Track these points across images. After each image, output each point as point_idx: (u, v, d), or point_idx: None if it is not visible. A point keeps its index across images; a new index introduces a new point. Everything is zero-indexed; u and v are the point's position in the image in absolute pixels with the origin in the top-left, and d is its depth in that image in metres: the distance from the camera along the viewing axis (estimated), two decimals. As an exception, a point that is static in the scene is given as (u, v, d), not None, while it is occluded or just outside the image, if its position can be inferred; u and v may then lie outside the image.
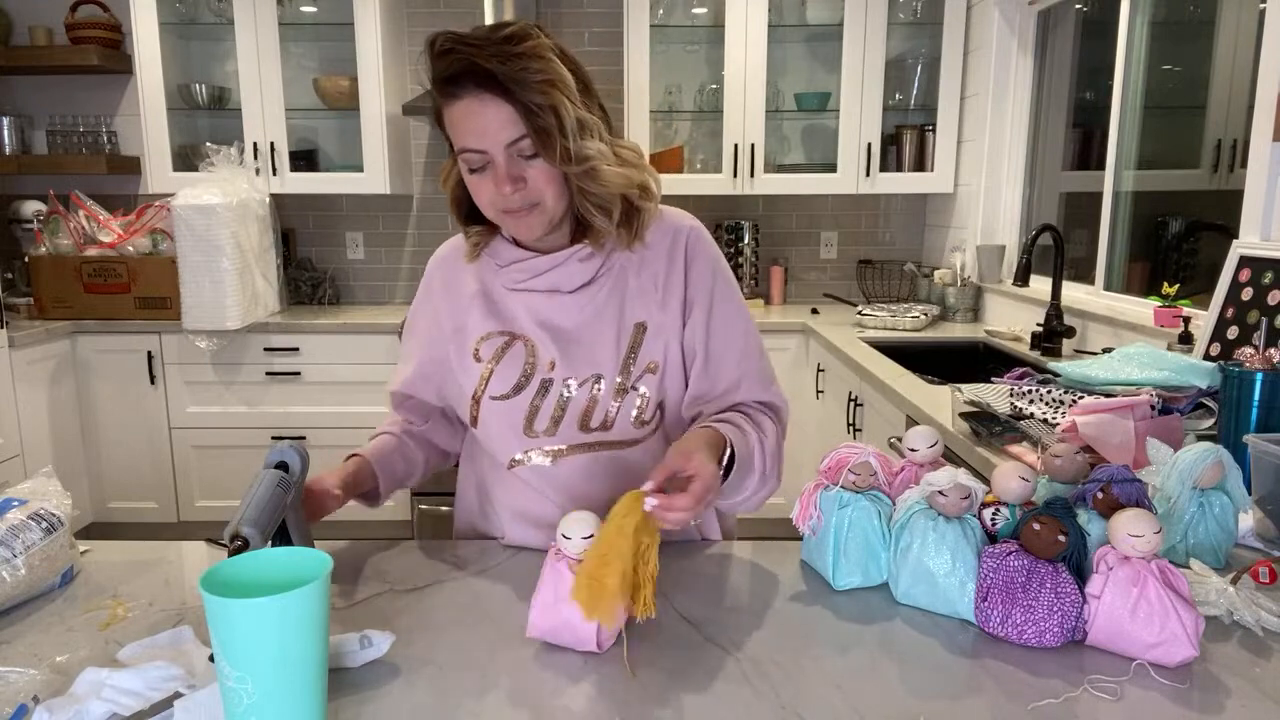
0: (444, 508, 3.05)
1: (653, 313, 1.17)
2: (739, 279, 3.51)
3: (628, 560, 0.86)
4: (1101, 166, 2.78)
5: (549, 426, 1.16)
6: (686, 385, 1.19)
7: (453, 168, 1.15)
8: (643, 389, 1.16)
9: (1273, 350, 1.28)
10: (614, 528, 0.87)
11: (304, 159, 3.67)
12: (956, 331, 3.19)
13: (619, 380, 1.16)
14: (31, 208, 3.53)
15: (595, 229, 1.13)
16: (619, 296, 1.17)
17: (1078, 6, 3.15)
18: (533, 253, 1.17)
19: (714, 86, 3.63)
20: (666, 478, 0.94)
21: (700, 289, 1.19)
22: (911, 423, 1.99)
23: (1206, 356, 1.79)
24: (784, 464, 1.21)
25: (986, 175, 3.38)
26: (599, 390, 1.15)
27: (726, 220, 3.76)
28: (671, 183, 3.30)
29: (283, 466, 0.99)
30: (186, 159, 3.54)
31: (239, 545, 0.87)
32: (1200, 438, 1.32)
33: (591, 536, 0.87)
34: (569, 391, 1.15)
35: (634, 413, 1.16)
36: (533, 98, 1.01)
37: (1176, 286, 2.22)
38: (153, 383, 3.37)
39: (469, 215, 1.18)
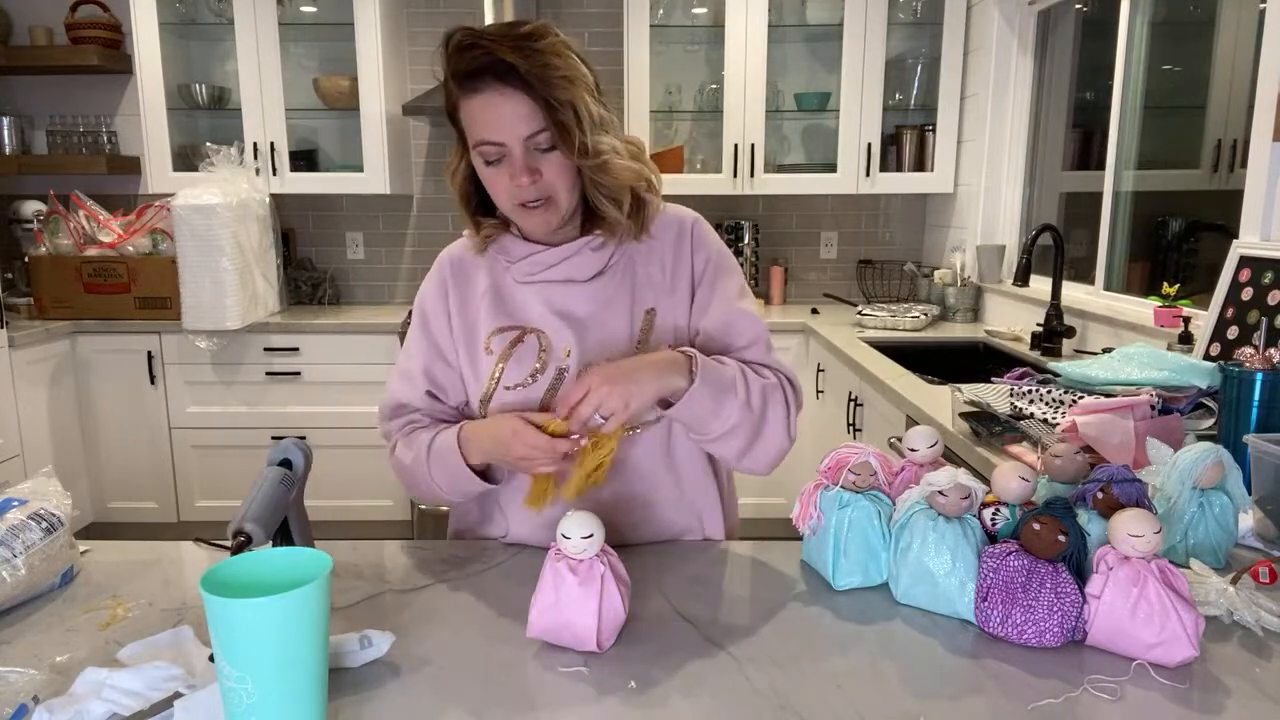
0: (444, 507, 3.04)
1: (661, 298, 1.21)
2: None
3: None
4: (1101, 166, 2.78)
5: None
6: None
7: (459, 163, 1.18)
8: None
9: (1273, 350, 1.28)
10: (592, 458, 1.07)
11: (304, 159, 3.67)
12: (956, 331, 3.18)
13: None
14: (31, 208, 3.53)
15: (608, 220, 1.17)
16: (629, 285, 1.21)
17: (1078, 6, 3.15)
18: (545, 246, 1.20)
19: (714, 86, 3.63)
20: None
21: (705, 269, 1.24)
22: (911, 423, 1.99)
23: (1206, 356, 1.79)
24: (797, 433, 1.20)
25: (986, 175, 3.38)
26: None
27: (726, 220, 3.75)
28: (671, 183, 3.28)
29: (286, 464, 0.99)
30: (186, 159, 3.54)
31: (241, 542, 0.87)
32: (1200, 438, 1.32)
33: (591, 536, 0.87)
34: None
35: None
36: (554, 93, 1.05)
37: (1176, 286, 2.22)
38: (153, 383, 3.37)
39: (478, 208, 1.21)
